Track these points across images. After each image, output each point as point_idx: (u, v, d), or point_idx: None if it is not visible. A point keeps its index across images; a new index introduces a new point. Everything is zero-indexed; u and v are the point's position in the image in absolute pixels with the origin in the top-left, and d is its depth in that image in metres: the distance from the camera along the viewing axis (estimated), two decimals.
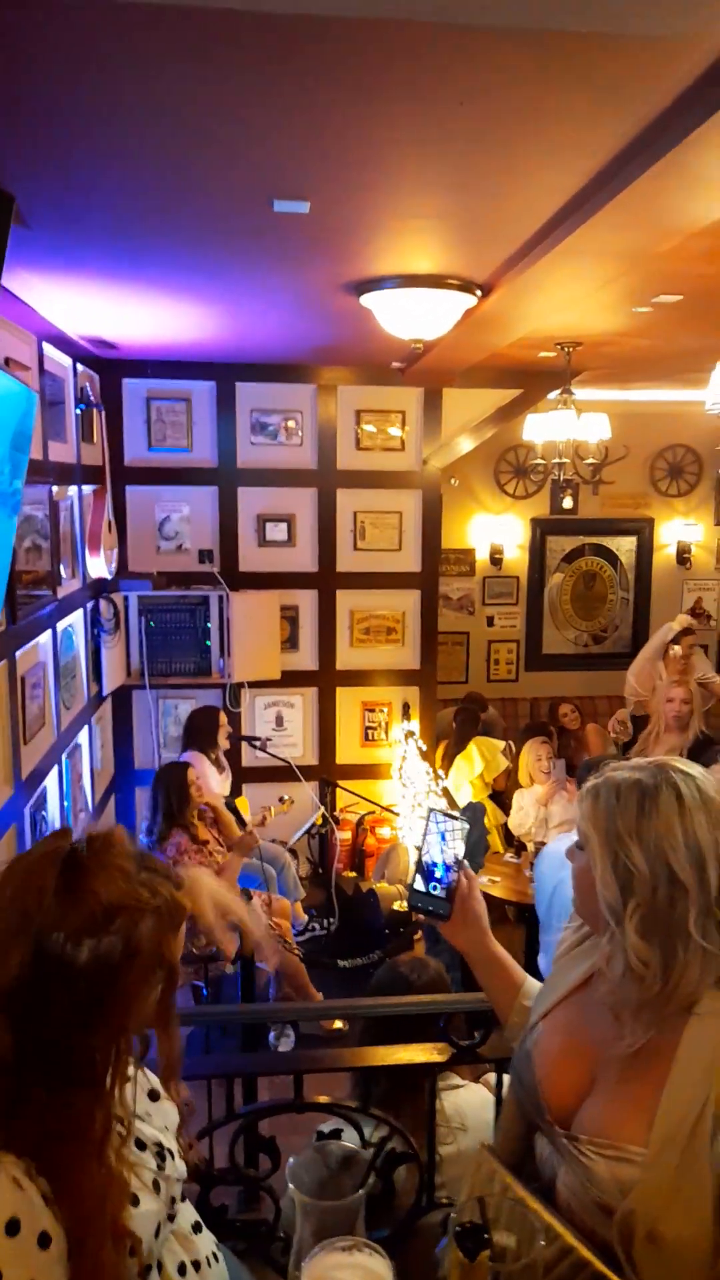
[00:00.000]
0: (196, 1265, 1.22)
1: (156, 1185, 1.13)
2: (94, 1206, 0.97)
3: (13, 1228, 0.90)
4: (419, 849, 1.48)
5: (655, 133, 1.96)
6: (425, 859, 1.45)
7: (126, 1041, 1.03)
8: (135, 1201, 1.07)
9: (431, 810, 1.47)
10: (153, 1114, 1.20)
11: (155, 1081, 1.25)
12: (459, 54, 1.66)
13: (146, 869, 1.08)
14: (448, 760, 5.75)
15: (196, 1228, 1.27)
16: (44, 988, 0.96)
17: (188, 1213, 1.27)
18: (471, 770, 5.58)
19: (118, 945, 0.98)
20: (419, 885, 1.46)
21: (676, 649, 5.24)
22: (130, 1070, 1.09)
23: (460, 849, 1.44)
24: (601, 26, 1.55)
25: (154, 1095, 1.23)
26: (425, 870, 1.45)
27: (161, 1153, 1.16)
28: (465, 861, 1.47)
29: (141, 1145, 1.14)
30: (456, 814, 1.48)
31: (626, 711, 5.20)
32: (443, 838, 1.44)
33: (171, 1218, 1.19)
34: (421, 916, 1.49)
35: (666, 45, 1.63)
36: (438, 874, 1.45)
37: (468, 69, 1.72)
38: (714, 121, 1.79)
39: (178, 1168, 1.19)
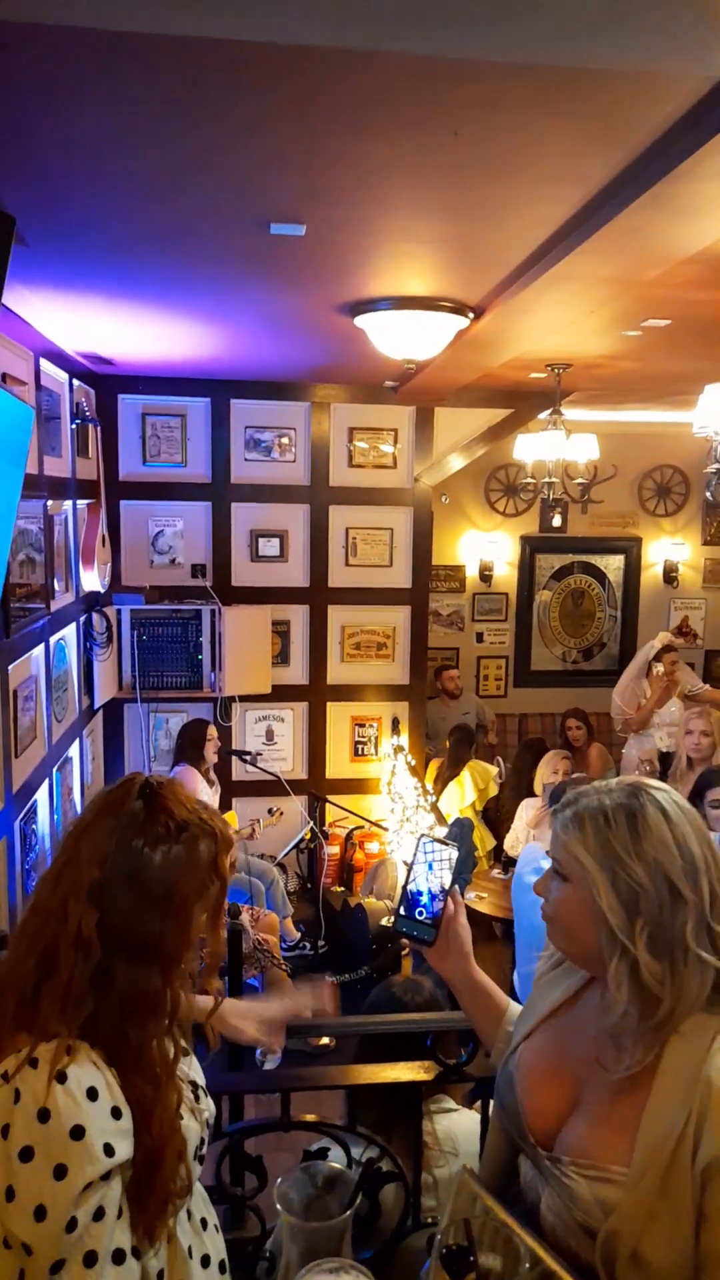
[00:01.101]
0: (217, 1227, 1.31)
1: (195, 1113, 1.24)
2: (163, 1083, 1.14)
3: (93, 1094, 1.07)
4: (406, 874, 1.48)
5: (643, 165, 2.00)
6: (412, 887, 1.45)
7: (191, 932, 1.19)
8: (181, 1116, 1.19)
9: (422, 837, 1.48)
10: (190, 1061, 1.32)
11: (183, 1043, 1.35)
12: (451, 86, 1.69)
13: (202, 805, 1.25)
14: (441, 781, 5.76)
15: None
16: (126, 882, 1.15)
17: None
18: (463, 799, 5.59)
19: (183, 853, 1.17)
20: (405, 911, 1.46)
21: (659, 666, 5.29)
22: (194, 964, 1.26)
23: (447, 878, 1.44)
24: (591, 62, 1.59)
25: (185, 1052, 1.32)
26: (411, 897, 1.45)
27: (195, 1090, 1.27)
28: (455, 888, 1.47)
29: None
30: (447, 841, 1.48)
31: (654, 750, 5.19)
32: (430, 867, 1.44)
33: (200, 1159, 1.28)
34: (407, 941, 1.49)
35: (654, 80, 1.66)
36: (424, 901, 1.45)
37: (460, 101, 1.75)
38: (700, 155, 1.83)
39: (210, 1105, 1.31)
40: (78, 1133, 1.03)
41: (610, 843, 1.15)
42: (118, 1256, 1.07)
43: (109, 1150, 1.05)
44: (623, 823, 1.16)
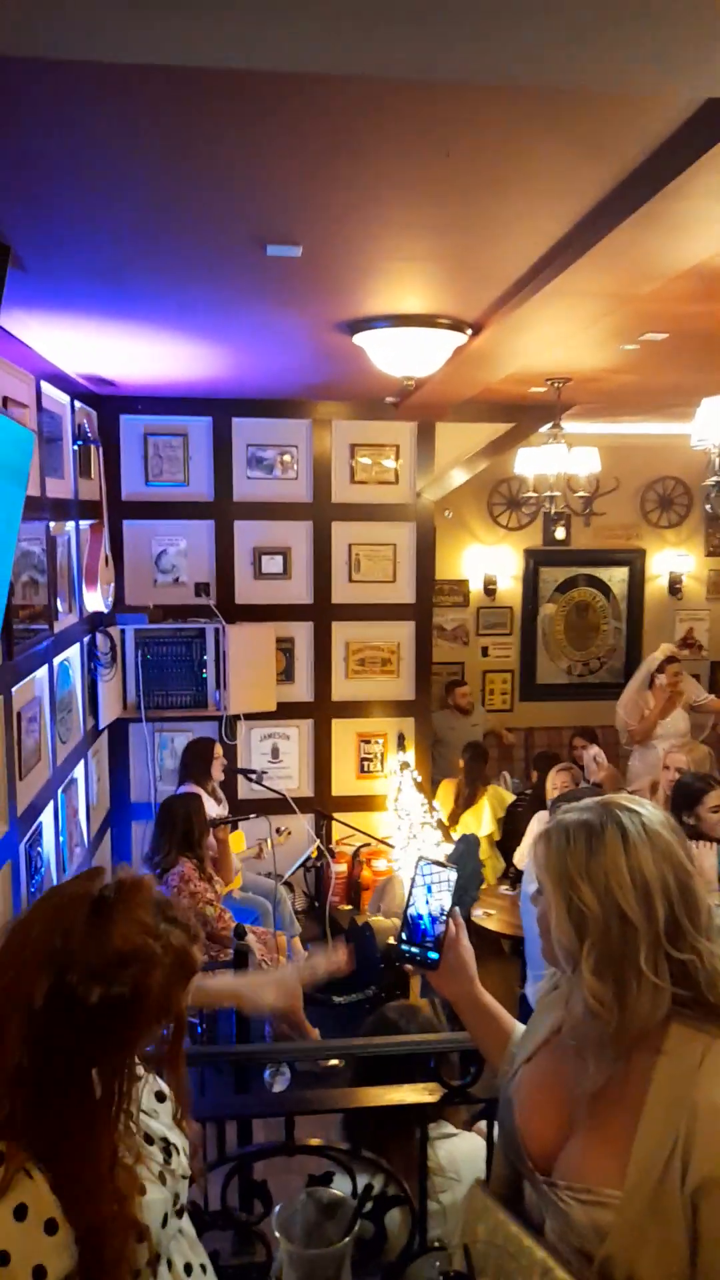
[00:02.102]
0: (204, 1268, 1.25)
1: (163, 1178, 1.17)
2: (103, 1199, 1.05)
3: (20, 1213, 0.99)
4: (407, 898, 1.47)
5: (636, 182, 2.02)
6: (411, 911, 1.45)
7: (130, 1069, 1.09)
8: (143, 1191, 1.13)
9: (420, 859, 1.47)
10: (160, 1112, 1.25)
11: (160, 1084, 1.30)
12: (443, 108, 1.72)
13: (167, 920, 1.13)
14: (460, 802, 5.72)
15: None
16: (58, 1018, 1.04)
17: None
18: (479, 828, 5.56)
19: (126, 991, 1.04)
20: (406, 935, 1.45)
21: (662, 678, 5.27)
22: (139, 1079, 1.16)
23: (447, 900, 1.43)
24: (582, 83, 1.60)
25: (160, 1096, 1.27)
26: (412, 921, 1.45)
27: (168, 1148, 1.21)
28: (456, 910, 1.46)
29: (149, 1140, 1.20)
30: (445, 863, 1.48)
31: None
32: (429, 889, 1.43)
33: (180, 1213, 1.23)
34: (410, 966, 1.48)
35: (644, 100, 1.68)
36: (424, 924, 1.44)
37: (452, 122, 1.77)
38: (691, 172, 1.84)
39: (183, 1164, 1.23)
40: (2, 1259, 0.98)
41: (565, 861, 1.16)
42: None
43: (39, 1273, 0.99)
44: (580, 842, 1.16)
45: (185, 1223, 1.26)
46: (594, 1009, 1.12)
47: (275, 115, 1.73)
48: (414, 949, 1.44)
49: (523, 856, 4.90)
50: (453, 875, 1.45)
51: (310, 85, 1.60)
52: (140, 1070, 1.21)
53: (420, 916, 1.44)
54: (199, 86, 1.61)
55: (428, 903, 1.43)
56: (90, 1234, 1.02)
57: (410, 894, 1.45)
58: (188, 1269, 1.22)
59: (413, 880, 1.45)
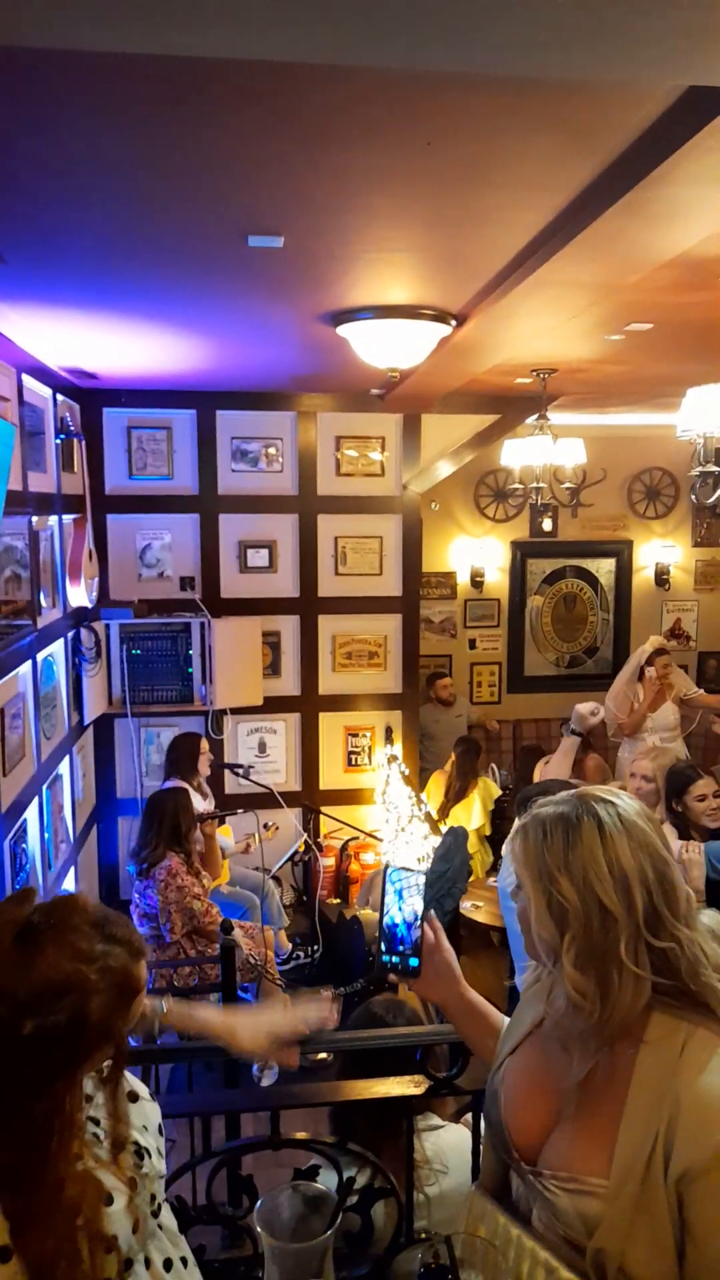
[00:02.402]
0: (185, 1261, 1.25)
1: (133, 1183, 1.15)
2: (52, 1228, 1.00)
3: None
4: (380, 911, 1.44)
5: (617, 172, 2.00)
6: (386, 921, 1.42)
7: (74, 1096, 1.05)
8: (109, 1200, 1.10)
9: (387, 866, 1.45)
10: (130, 1114, 1.22)
11: (134, 1084, 1.27)
12: (424, 99, 1.70)
13: (107, 939, 1.08)
14: (450, 795, 5.72)
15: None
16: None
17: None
18: (470, 821, 5.56)
19: (62, 1021, 1.00)
20: (386, 947, 1.42)
21: (651, 670, 5.26)
22: (90, 1099, 1.12)
23: (419, 904, 1.41)
24: (562, 72, 1.58)
25: (133, 1097, 1.25)
26: (389, 932, 1.42)
27: (139, 1151, 1.19)
28: (432, 913, 1.44)
29: (118, 1145, 1.17)
30: (410, 868, 1.45)
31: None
32: (400, 895, 1.41)
33: (156, 1213, 1.21)
34: (393, 977, 1.46)
35: (625, 89, 1.67)
36: (400, 932, 1.42)
37: (433, 113, 1.76)
38: (672, 162, 1.83)
39: (155, 1165, 1.21)
40: None
41: (543, 856, 1.15)
42: None
43: None
44: (557, 835, 1.16)
45: (165, 1217, 1.26)
46: (576, 1001, 1.12)
47: (256, 105, 1.71)
48: (394, 958, 1.41)
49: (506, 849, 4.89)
50: (421, 879, 1.42)
51: (291, 75, 1.58)
52: (90, 1086, 1.18)
53: (396, 925, 1.41)
54: (179, 77, 1.59)
55: (400, 909, 1.41)
56: (39, 1263, 0.99)
57: (383, 904, 1.43)
58: (167, 1265, 1.22)
59: (383, 890, 1.43)
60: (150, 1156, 1.21)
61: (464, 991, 1.47)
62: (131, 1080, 1.28)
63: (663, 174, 1.90)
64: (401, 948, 1.41)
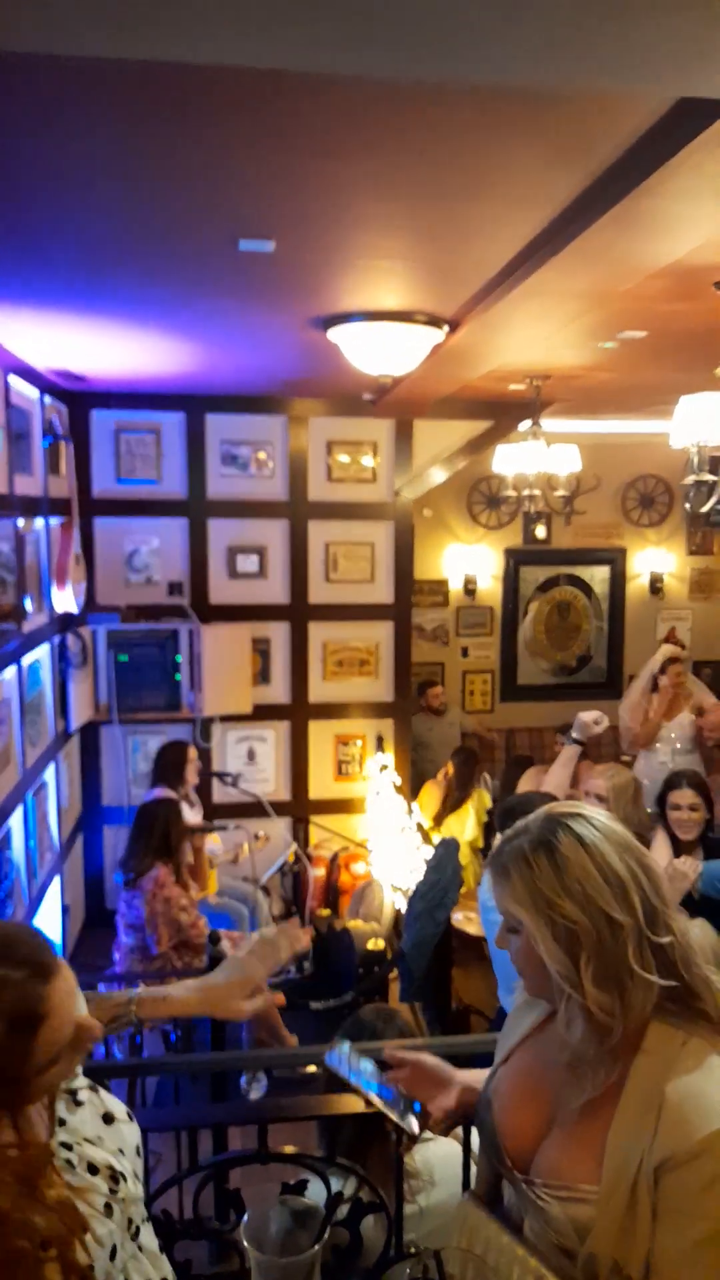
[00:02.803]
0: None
1: (109, 1208, 1.12)
2: (23, 1263, 0.95)
3: None
4: (361, 1094, 1.39)
5: (607, 183, 2.00)
6: (369, 1096, 1.37)
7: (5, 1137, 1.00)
8: (85, 1228, 1.06)
9: (327, 1055, 1.39)
10: (105, 1138, 1.19)
11: (110, 1104, 1.24)
12: (415, 109, 1.70)
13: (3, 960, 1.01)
14: (448, 805, 5.66)
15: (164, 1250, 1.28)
16: None
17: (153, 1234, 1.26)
18: (463, 832, 5.50)
19: None
20: (393, 1118, 1.37)
21: (664, 679, 5.18)
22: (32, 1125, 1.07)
23: (369, 1064, 1.37)
24: (552, 83, 1.57)
25: (108, 1119, 1.22)
26: (383, 1101, 1.37)
27: (115, 1175, 1.16)
28: (392, 1050, 1.40)
29: (93, 1170, 1.14)
30: (340, 1043, 1.41)
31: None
32: (354, 1074, 1.37)
33: (135, 1235, 1.19)
34: (413, 1138, 1.39)
35: (615, 101, 1.66)
36: (385, 1095, 1.37)
37: (424, 123, 1.75)
38: (662, 173, 1.82)
39: (131, 1190, 1.18)
40: None
41: (537, 887, 1.14)
42: None
43: None
44: (544, 862, 1.14)
45: (146, 1237, 1.23)
46: (603, 1021, 1.11)
47: (248, 113, 1.71)
48: (398, 1120, 1.36)
49: None
50: (345, 1045, 1.39)
51: (282, 83, 1.58)
52: (63, 1109, 1.15)
53: (379, 1092, 1.36)
54: (172, 83, 1.58)
55: (366, 1080, 1.36)
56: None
57: (350, 1081, 1.38)
58: None
59: (343, 1076, 1.38)
60: (126, 1180, 1.18)
61: (471, 1077, 1.43)
62: (108, 1101, 1.25)
63: (653, 185, 1.88)
64: (395, 1105, 1.36)
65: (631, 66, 1.51)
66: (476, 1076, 1.43)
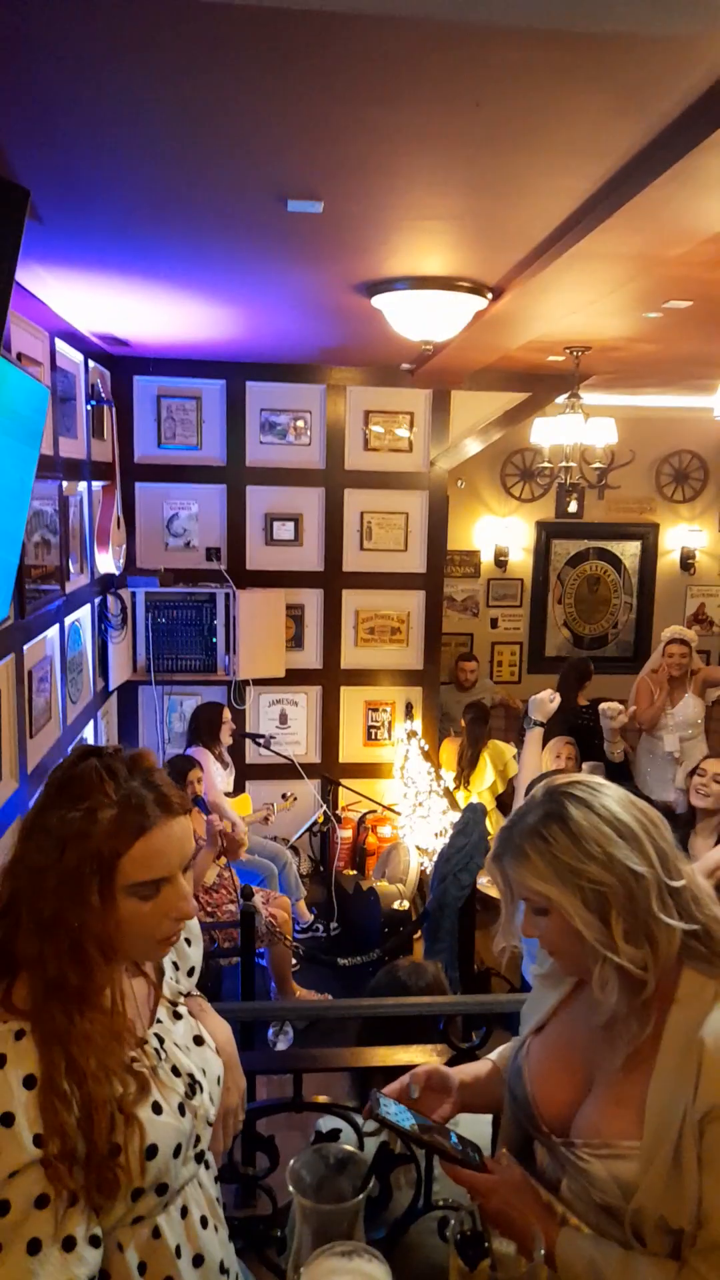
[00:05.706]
0: (217, 1229, 1.27)
1: (182, 1109, 1.19)
2: (98, 1073, 1.09)
3: (30, 1083, 1.05)
4: (413, 1150, 1.33)
5: (668, 138, 1.95)
6: (424, 1138, 1.23)
7: (108, 921, 1.13)
8: (158, 1109, 1.15)
9: (365, 1129, 1.38)
10: (193, 1053, 1.28)
11: (204, 1032, 1.32)
12: (475, 54, 1.64)
13: (147, 784, 1.17)
14: (463, 762, 5.71)
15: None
16: (27, 850, 1.15)
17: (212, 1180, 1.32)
18: (482, 781, 5.56)
19: (79, 820, 1.12)
20: (454, 1161, 1.22)
21: (667, 660, 5.07)
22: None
23: (406, 1116, 1.24)
24: (620, 26, 1.54)
25: (199, 1040, 1.30)
26: (438, 1146, 1.23)
27: (193, 1085, 1.23)
28: (471, 1146, 1.26)
29: (176, 1072, 1.22)
30: (359, 1118, 1.36)
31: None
32: (413, 1118, 1.25)
33: (199, 1158, 1.24)
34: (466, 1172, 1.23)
35: (682, 49, 1.61)
36: (452, 1142, 1.26)
37: (484, 69, 1.70)
38: None
39: (207, 1105, 1.24)
40: (7, 1120, 1.02)
41: (559, 859, 1.14)
42: (68, 1244, 1.04)
43: (39, 1141, 1.03)
44: (558, 833, 1.16)
45: (206, 1177, 1.27)
46: (637, 976, 1.13)
47: (301, 60, 1.68)
48: (464, 1155, 1.24)
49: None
50: (387, 1102, 1.26)
51: (338, 27, 1.54)
52: (182, 1008, 1.29)
53: (422, 1127, 1.24)
54: (223, 24, 1.55)
55: (408, 1130, 1.22)
56: (84, 1119, 1.06)
57: (403, 1142, 1.32)
58: (204, 1222, 1.23)
59: (403, 1132, 1.24)
60: (203, 1093, 1.24)
61: (465, 1077, 1.38)
62: (203, 1028, 1.33)
63: (715, 142, 1.84)
64: (454, 1144, 1.24)
65: (702, 9, 1.45)
66: (472, 1072, 1.44)
